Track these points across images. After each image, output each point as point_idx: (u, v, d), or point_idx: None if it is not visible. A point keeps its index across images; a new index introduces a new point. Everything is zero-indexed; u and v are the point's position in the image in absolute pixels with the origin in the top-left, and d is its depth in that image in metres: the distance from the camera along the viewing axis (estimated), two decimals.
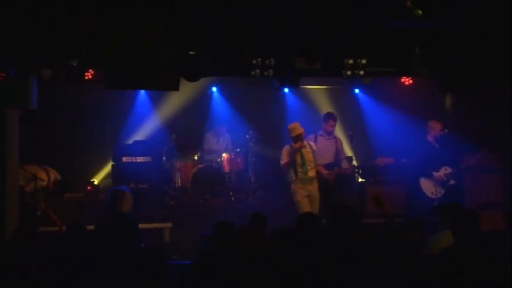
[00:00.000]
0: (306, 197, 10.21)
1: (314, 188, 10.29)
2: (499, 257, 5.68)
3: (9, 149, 9.42)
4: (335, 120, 11.17)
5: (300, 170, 10.23)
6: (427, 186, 10.77)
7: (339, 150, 11.20)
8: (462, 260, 5.58)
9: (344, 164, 11.24)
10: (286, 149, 10.39)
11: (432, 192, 10.70)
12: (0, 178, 9.16)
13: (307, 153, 10.29)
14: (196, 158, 12.90)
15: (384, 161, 11.30)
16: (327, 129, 11.10)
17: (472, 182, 11.07)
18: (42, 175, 10.28)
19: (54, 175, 10.50)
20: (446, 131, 10.89)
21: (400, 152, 11.82)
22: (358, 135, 11.92)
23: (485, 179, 10.96)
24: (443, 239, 6.41)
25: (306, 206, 10.06)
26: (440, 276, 5.39)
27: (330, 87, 13.43)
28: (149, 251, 5.80)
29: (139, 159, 11.85)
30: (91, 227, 8.09)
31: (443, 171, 10.72)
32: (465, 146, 11.20)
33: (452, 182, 10.78)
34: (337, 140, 11.29)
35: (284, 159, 10.33)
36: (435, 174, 10.72)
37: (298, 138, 10.19)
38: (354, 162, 11.50)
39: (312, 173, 10.27)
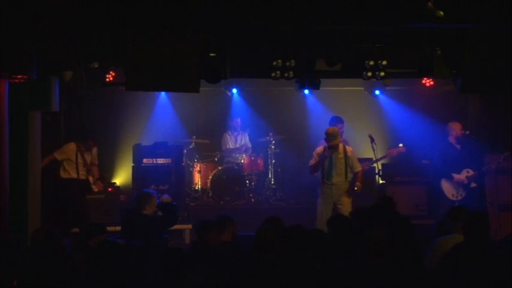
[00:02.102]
0: (328, 202, 10.07)
1: (341, 194, 10.12)
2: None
3: (30, 150, 9.51)
4: (342, 123, 11.07)
5: (325, 174, 10.13)
6: (447, 188, 10.71)
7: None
8: (470, 261, 5.56)
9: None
10: (317, 150, 10.27)
11: (453, 194, 10.64)
12: (22, 178, 9.26)
13: (338, 158, 10.13)
14: (216, 159, 12.94)
15: (395, 151, 11.28)
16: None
17: (494, 184, 10.98)
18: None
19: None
20: (467, 132, 10.83)
21: (421, 153, 11.76)
22: (378, 136, 11.85)
23: (507, 180, 10.86)
24: (450, 242, 6.38)
25: (321, 212, 10.00)
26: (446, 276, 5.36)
27: (351, 88, 13.38)
28: (170, 252, 5.80)
29: (160, 161, 11.92)
30: (111, 228, 8.19)
31: (465, 174, 10.65)
32: (487, 148, 11.11)
33: (474, 184, 10.70)
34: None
35: (313, 160, 10.24)
36: (456, 176, 10.65)
37: (334, 148, 10.05)
38: (374, 164, 11.44)
39: (337, 179, 10.10)
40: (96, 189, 10.84)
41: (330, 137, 10.01)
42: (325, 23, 8.69)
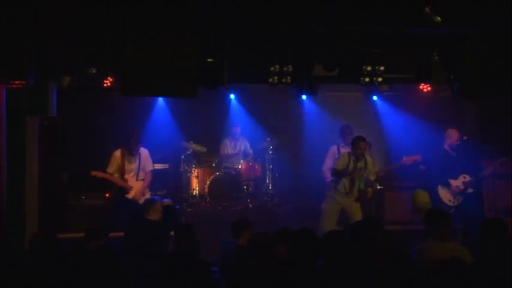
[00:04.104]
0: (337, 209, 10.20)
1: (352, 201, 10.25)
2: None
3: (28, 154, 9.55)
4: (351, 133, 11.15)
5: (345, 181, 10.24)
6: (444, 193, 10.71)
7: None
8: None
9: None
10: (344, 156, 10.36)
11: (450, 200, 10.65)
12: (20, 182, 9.31)
13: (359, 168, 10.24)
14: (214, 164, 12.93)
15: (411, 159, 11.26)
16: (347, 142, 11.09)
17: (492, 189, 11.00)
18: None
19: None
20: (465, 137, 10.84)
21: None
22: (376, 142, 11.87)
23: (505, 185, 10.88)
24: (434, 250, 6.36)
25: (328, 217, 10.13)
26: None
27: (348, 94, 13.40)
28: (170, 257, 5.81)
29: (157, 166, 11.89)
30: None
31: (461, 179, 10.66)
32: (484, 153, 11.12)
33: (470, 190, 10.71)
34: None
35: (339, 165, 10.28)
36: (452, 182, 10.66)
37: (360, 156, 10.23)
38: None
39: (355, 189, 10.23)
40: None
41: (355, 144, 10.18)
42: (322, 28, 8.72)
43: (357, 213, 10.09)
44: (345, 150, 10.97)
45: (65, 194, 11.22)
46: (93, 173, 10.56)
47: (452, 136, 10.82)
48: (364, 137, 10.31)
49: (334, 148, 11.29)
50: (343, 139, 11.24)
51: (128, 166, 10.70)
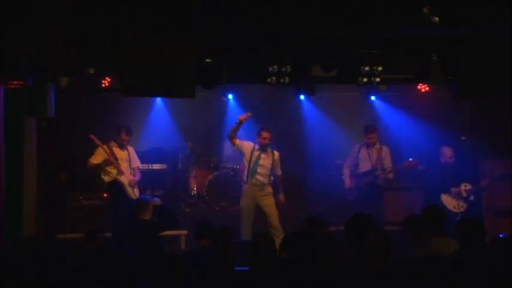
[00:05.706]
0: (252, 204, 10.50)
1: (265, 195, 10.52)
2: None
3: (26, 155, 9.53)
4: (371, 132, 11.10)
5: (249, 173, 10.67)
6: (448, 201, 10.72)
7: (380, 160, 11.03)
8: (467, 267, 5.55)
9: (381, 172, 11.05)
10: (250, 145, 10.84)
11: (454, 206, 10.66)
12: (18, 182, 9.30)
13: (264, 159, 10.59)
14: (212, 165, 12.91)
15: (410, 164, 11.25)
16: (366, 141, 11.09)
17: (491, 189, 11.00)
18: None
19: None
20: (463, 138, 10.85)
21: (417, 158, 11.76)
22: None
23: (505, 185, 10.88)
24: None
25: (246, 215, 10.47)
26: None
27: (347, 94, 13.38)
28: (166, 258, 5.81)
29: (155, 166, 11.89)
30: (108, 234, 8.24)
31: (463, 187, 10.67)
32: (483, 154, 11.11)
33: (472, 198, 10.71)
34: (380, 150, 11.10)
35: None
36: (454, 189, 10.68)
37: (264, 146, 10.61)
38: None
39: (261, 179, 10.57)
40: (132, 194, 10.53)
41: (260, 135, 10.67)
42: (321, 29, 8.72)
43: (273, 210, 10.37)
44: (364, 149, 11.04)
45: (63, 195, 11.22)
46: (92, 136, 10.53)
47: (446, 154, 10.86)
48: (267, 127, 10.75)
49: (356, 146, 11.30)
50: (364, 138, 11.18)
51: (119, 154, 10.60)
